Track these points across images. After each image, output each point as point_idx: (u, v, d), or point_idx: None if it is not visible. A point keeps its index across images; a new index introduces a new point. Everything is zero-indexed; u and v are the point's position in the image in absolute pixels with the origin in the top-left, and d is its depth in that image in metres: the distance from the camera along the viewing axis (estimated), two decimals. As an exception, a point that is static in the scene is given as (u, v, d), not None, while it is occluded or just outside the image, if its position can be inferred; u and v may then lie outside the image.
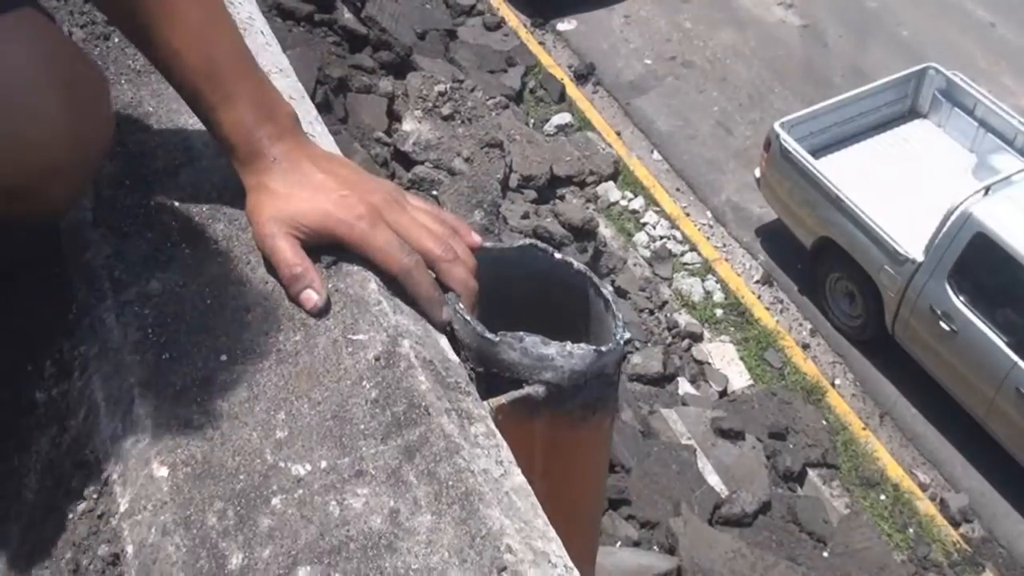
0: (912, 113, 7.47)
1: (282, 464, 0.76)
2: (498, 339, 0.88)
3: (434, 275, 0.92)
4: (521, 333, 0.88)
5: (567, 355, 0.88)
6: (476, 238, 0.98)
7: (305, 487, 0.75)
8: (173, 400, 0.81)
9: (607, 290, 0.99)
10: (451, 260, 0.92)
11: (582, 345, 0.90)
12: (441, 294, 0.92)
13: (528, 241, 1.01)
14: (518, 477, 0.78)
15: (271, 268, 0.90)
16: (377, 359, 0.83)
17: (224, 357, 0.84)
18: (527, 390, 0.89)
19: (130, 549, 0.74)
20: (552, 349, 0.88)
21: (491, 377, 0.91)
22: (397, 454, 0.77)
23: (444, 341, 0.90)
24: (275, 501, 0.74)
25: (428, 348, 0.86)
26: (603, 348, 0.90)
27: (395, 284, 0.91)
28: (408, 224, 0.92)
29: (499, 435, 0.81)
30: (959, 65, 7.67)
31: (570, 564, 0.74)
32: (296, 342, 0.85)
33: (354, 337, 0.85)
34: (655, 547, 4.72)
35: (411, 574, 0.70)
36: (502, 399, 0.89)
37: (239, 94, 0.90)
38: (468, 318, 0.89)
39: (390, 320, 0.86)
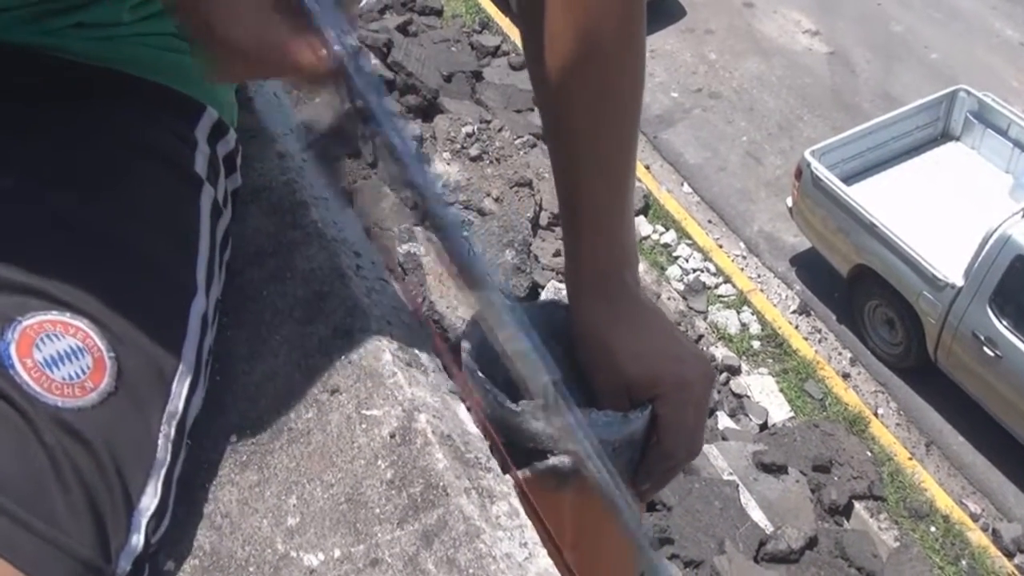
0: (944, 136, 7.37)
1: (294, 553, 0.72)
2: (519, 409, 0.83)
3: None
4: (542, 401, 0.84)
5: (592, 424, 0.83)
6: None
7: (318, 578, 0.71)
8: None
9: None
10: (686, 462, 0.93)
11: (608, 412, 0.85)
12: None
13: (548, 299, 0.97)
14: (543, 560, 0.73)
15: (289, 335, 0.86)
16: (392, 436, 0.79)
17: (234, 437, 0.80)
18: (553, 461, 0.84)
19: (136, 649, 0.70)
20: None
21: (516, 447, 0.87)
22: (414, 540, 0.72)
23: (463, 413, 0.85)
24: (286, 595, 0.70)
25: (446, 422, 0.82)
26: (630, 415, 0.85)
27: (409, 354, 0.87)
28: (703, 416, 0.92)
29: (523, 514, 0.77)
30: (991, 86, 7.57)
31: (601, 655, 0.69)
32: (308, 419, 0.81)
33: (368, 413, 0.81)
34: (700, 588, 4.63)
35: (431, 673, 0.66)
36: (527, 471, 0.85)
37: (602, 229, 0.89)
38: (488, 387, 0.85)
39: (406, 393, 0.82)
